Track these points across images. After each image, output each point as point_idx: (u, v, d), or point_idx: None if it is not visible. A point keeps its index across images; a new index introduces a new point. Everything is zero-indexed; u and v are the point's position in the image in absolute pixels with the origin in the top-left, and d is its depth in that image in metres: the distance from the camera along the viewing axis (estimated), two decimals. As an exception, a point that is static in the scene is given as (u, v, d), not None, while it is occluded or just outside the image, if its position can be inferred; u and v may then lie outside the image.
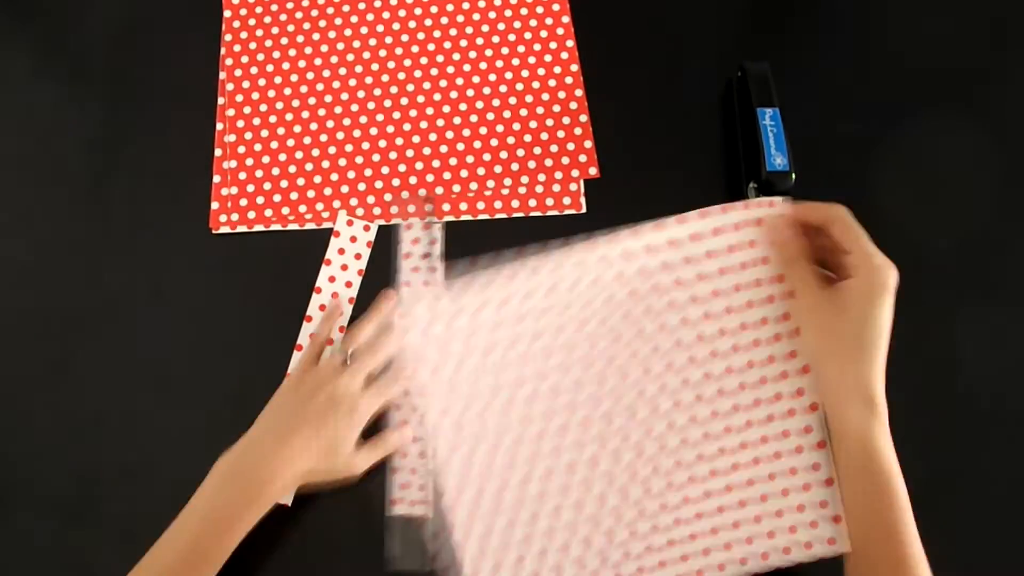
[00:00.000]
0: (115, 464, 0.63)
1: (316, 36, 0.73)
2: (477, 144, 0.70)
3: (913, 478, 0.62)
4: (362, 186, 0.69)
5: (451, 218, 0.68)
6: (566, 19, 0.73)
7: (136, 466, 0.63)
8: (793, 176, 0.63)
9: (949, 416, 0.64)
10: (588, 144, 0.69)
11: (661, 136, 0.70)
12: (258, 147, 0.69)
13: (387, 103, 0.71)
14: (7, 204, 0.69)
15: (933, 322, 0.66)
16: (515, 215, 0.68)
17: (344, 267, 0.66)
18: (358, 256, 0.67)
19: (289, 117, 0.71)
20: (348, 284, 0.66)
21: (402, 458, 0.61)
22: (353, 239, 0.67)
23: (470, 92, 0.71)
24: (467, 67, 0.72)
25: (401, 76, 0.72)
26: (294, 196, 0.68)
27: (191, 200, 0.68)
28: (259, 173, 0.69)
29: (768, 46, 0.73)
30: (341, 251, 0.67)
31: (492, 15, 0.74)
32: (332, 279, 0.66)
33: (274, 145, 0.70)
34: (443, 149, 0.70)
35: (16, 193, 0.69)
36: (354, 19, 0.74)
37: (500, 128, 0.70)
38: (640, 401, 0.53)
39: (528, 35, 0.73)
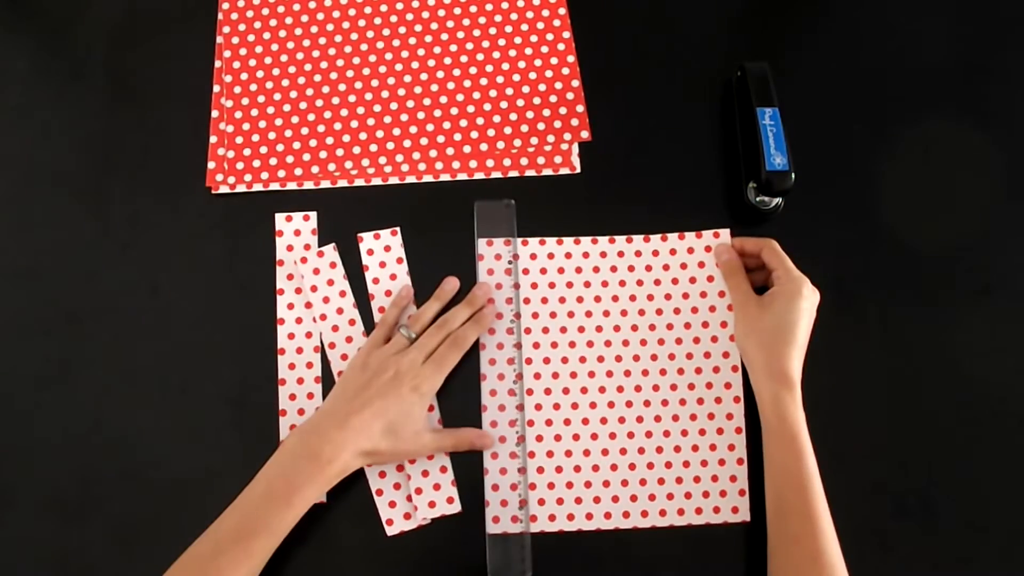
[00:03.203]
0: (115, 464, 0.63)
1: (312, 3, 0.74)
2: (471, 108, 0.70)
3: (913, 478, 0.63)
4: (356, 149, 0.69)
5: (447, 177, 0.69)
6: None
7: (136, 466, 0.63)
8: (793, 176, 0.63)
9: (949, 417, 0.64)
10: (580, 108, 0.70)
11: (661, 137, 0.70)
12: (255, 112, 0.70)
13: (382, 68, 0.72)
14: (7, 204, 0.69)
15: (933, 322, 0.66)
16: (510, 174, 0.69)
17: (304, 260, 0.66)
18: (307, 247, 0.67)
19: (286, 83, 0.71)
20: (316, 271, 0.66)
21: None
22: (297, 232, 0.67)
23: (464, 58, 0.72)
24: (461, 34, 0.73)
25: (396, 43, 0.73)
26: (290, 159, 0.69)
27: (190, 199, 0.69)
28: (255, 137, 0.70)
29: (768, 46, 0.73)
30: (290, 248, 0.67)
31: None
32: (290, 277, 0.66)
33: (270, 110, 0.70)
34: (437, 113, 0.70)
35: (16, 193, 0.69)
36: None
37: (493, 93, 0.71)
38: (636, 365, 0.65)
39: (521, 3, 0.74)
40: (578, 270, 0.66)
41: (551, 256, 0.66)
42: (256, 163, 0.69)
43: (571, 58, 0.72)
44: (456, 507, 0.61)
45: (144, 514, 0.62)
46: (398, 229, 0.67)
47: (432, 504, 0.61)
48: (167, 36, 0.73)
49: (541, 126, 0.70)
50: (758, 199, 0.66)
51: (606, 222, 0.68)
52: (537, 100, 0.71)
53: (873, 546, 0.61)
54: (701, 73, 0.72)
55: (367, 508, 0.61)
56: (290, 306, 0.65)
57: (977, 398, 0.64)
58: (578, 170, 0.69)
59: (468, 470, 0.62)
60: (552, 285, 0.66)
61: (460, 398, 0.64)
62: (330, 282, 0.66)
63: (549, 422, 0.63)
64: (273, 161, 0.69)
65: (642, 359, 0.65)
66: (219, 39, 0.73)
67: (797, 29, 0.74)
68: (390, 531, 0.61)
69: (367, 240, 0.67)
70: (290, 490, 0.56)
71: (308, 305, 0.65)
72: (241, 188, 0.68)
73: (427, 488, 0.61)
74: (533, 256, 0.67)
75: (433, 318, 0.64)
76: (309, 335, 0.65)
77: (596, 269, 0.66)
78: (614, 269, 0.66)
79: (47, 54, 0.74)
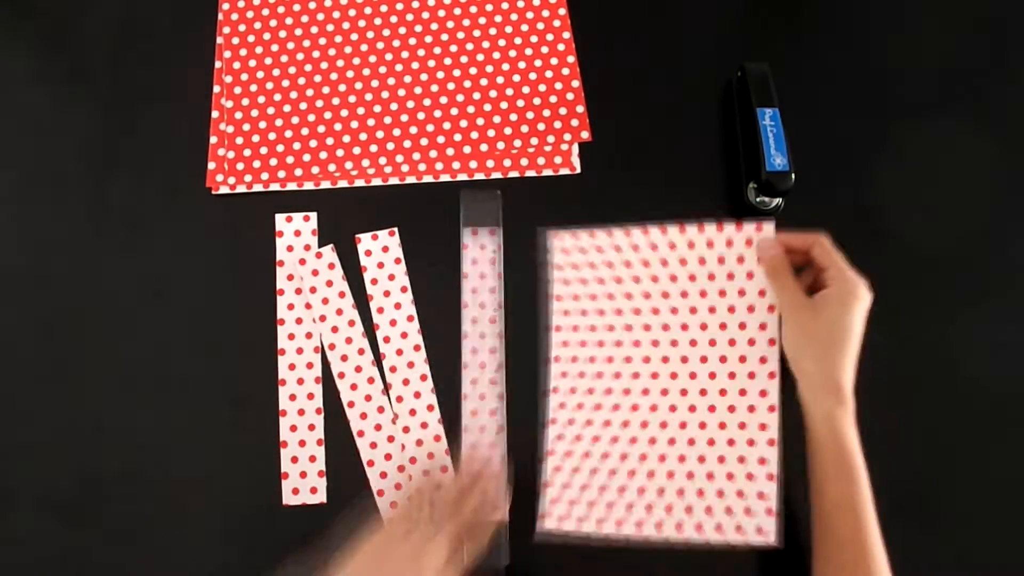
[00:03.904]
0: (115, 464, 0.63)
1: (312, 4, 0.74)
2: (471, 109, 0.71)
3: (913, 478, 0.63)
4: (357, 149, 0.69)
5: (447, 177, 0.69)
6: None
7: (136, 466, 0.63)
8: (793, 176, 0.63)
9: (949, 416, 0.64)
10: (580, 108, 0.70)
11: (661, 137, 0.70)
12: (255, 112, 0.71)
13: (382, 68, 0.72)
14: (7, 204, 0.69)
15: (933, 322, 0.66)
16: (510, 174, 0.69)
17: (303, 262, 0.66)
18: (307, 247, 0.67)
19: (286, 83, 0.71)
20: (315, 272, 0.66)
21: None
22: (297, 233, 0.67)
23: (464, 58, 0.72)
24: (461, 34, 0.73)
25: (396, 43, 0.73)
26: (290, 160, 0.69)
27: (191, 199, 0.68)
28: (256, 138, 0.70)
29: (768, 46, 0.73)
30: (290, 248, 0.67)
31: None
32: (290, 277, 0.66)
33: (271, 111, 0.71)
34: (437, 114, 0.70)
35: (16, 193, 0.69)
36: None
37: (494, 93, 0.71)
38: (665, 367, 0.61)
39: (521, 3, 0.74)
40: (609, 264, 0.62)
41: (583, 251, 0.63)
42: (256, 163, 0.69)
43: (571, 58, 0.72)
44: None
45: (144, 514, 0.62)
46: (396, 229, 0.67)
47: None
48: (167, 36, 0.73)
49: (541, 126, 0.70)
50: (758, 199, 0.66)
51: (606, 223, 0.67)
52: (537, 100, 0.71)
53: (873, 546, 0.61)
54: (701, 73, 0.72)
55: (367, 508, 0.61)
56: (290, 306, 0.65)
57: (977, 398, 0.64)
58: (578, 170, 0.69)
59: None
60: (584, 281, 0.63)
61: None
62: (329, 283, 0.66)
63: (571, 421, 0.61)
64: (273, 161, 0.69)
65: (671, 360, 0.61)
66: (219, 39, 0.73)
67: (797, 29, 0.74)
68: None
69: (365, 241, 0.67)
70: None
71: (308, 306, 0.65)
72: (241, 188, 0.68)
73: None
74: (565, 251, 0.63)
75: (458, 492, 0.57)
76: (309, 335, 0.65)
77: (628, 263, 0.62)
78: (646, 263, 0.61)
79: (47, 54, 0.74)
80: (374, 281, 0.66)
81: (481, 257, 0.65)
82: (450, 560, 0.53)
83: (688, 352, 0.61)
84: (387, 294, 0.66)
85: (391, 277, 0.66)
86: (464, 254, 0.66)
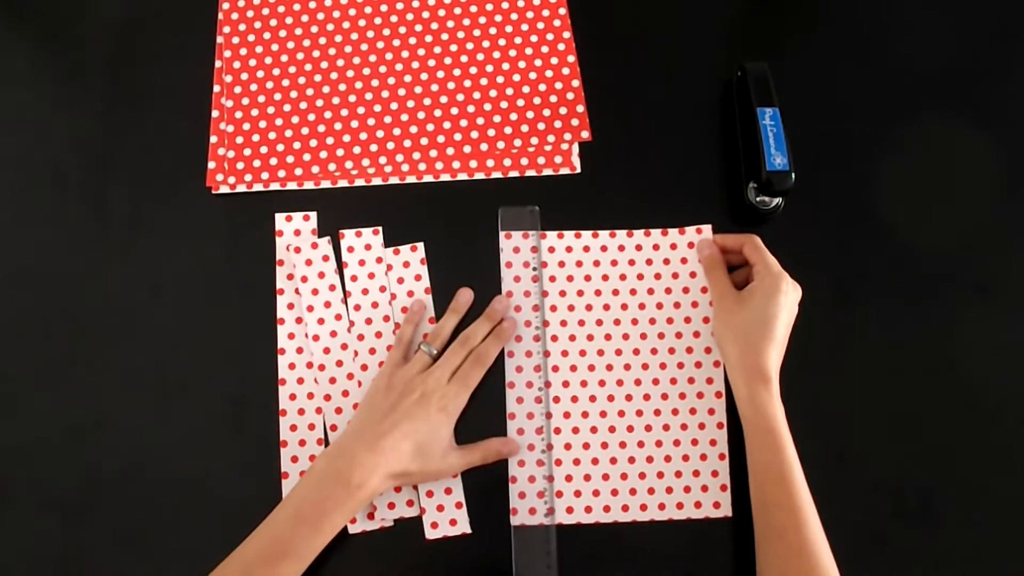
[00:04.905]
0: (115, 464, 0.63)
1: (312, 4, 0.74)
2: (471, 109, 0.70)
3: (913, 478, 0.63)
4: (357, 149, 0.69)
5: (447, 177, 0.69)
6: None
7: (136, 466, 0.63)
8: (793, 176, 0.63)
9: (949, 416, 0.64)
10: (580, 108, 0.70)
11: (661, 137, 0.70)
12: (255, 112, 0.70)
13: (382, 68, 0.72)
14: (7, 204, 0.69)
15: (933, 322, 0.66)
16: (511, 174, 0.69)
17: (308, 262, 0.66)
18: (315, 246, 0.67)
19: (286, 83, 0.71)
20: (309, 262, 0.66)
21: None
22: (297, 232, 0.67)
23: (464, 58, 0.72)
24: (461, 34, 0.73)
25: (396, 43, 0.73)
26: (290, 159, 0.69)
27: (190, 199, 0.68)
28: (255, 137, 0.70)
29: (768, 46, 0.73)
30: (289, 248, 0.67)
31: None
32: (290, 277, 0.66)
33: (271, 111, 0.71)
34: (437, 113, 0.70)
35: (15, 193, 0.69)
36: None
37: (494, 93, 0.71)
38: (619, 359, 0.65)
39: (521, 3, 0.74)
40: (561, 264, 0.66)
41: (534, 250, 0.66)
42: (256, 163, 0.69)
43: (571, 58, 0.72)
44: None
45: (144, 514, 0.62)
46: (380, 229, 0.67)
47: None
48: (167, 36, 0.73)
49: (541, 126, 0.70)
50: (758, 199, 0.66)
51: (606, 222, 0.67)
52: (537, 100, 0.71)
53: (872, 546, 0.61)
54: (701, 73, 0.72)
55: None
56: (290, 306, 0.65)
57: (977, 398, 0.64)
58: (578, 170, 0.69)
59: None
60: (535, 279, 0.66)
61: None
62: (321, 275, 0.66)
63: (531, 415, 0.63)
64: (273, 161, 0.69)
65: (624, 354, 0.65)
66: (219, 39, 0.73)
67: (797, 29, 0.74)
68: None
69: (348, 237, 0.67)
70: (319, 514, 0.55)
71: (297, 292, 0.65)
72: (241, 188, 0.68)
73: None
74: (516, 250, 0.66)
75: (452, 332, 0.64)
76: (308, 335, 0.65)
77: (579, 263, 0.66)
78: (597, 264, 0.66)
79: (47, 54, 0.74)
80: (353, 278, 0.66)
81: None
82: (458, 380, 0.61)
83: (639, 344, 0.65)
84: (365, 292, 0.66)
85: (371, 276, 0.66)
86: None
